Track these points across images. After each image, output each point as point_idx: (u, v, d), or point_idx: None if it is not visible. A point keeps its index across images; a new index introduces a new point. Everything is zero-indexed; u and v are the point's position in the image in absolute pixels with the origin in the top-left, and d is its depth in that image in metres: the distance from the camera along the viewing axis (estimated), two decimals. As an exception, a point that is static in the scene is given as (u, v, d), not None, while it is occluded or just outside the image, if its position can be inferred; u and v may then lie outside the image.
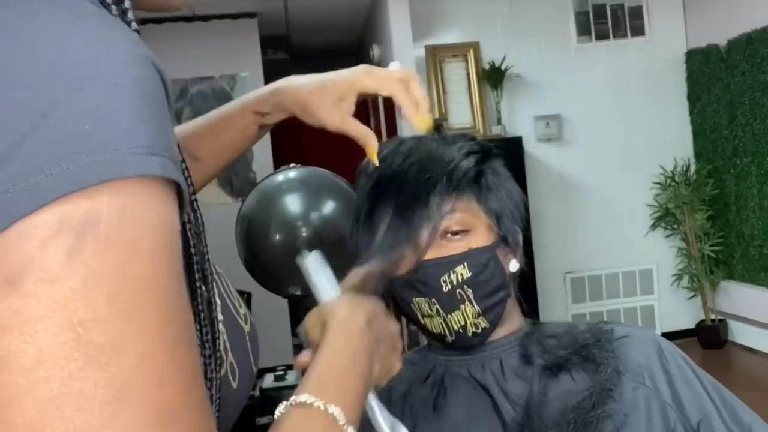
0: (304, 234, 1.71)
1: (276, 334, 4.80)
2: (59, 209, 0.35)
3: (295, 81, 0.93)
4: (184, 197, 0.42)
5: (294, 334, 4.86)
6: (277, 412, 0.56)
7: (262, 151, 5.12)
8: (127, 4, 0.45)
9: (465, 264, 0.89)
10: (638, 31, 5.09)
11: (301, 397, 0.56)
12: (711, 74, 4.79)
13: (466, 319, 0.90)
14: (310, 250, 0.82)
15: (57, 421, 0.35)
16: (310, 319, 0.68)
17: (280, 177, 1.85)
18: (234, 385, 0.53)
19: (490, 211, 0.93)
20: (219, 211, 4.91)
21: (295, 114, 0.91)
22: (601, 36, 5.07)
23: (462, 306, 0.90)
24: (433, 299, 0.90)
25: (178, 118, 5.03)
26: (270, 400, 2.56)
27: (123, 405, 0.36)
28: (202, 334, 0.48)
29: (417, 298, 0.91)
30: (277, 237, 1.76)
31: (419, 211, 0.89)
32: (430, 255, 0.90)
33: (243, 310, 0.58)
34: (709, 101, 4.85)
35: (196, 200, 0.51)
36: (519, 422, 0.88)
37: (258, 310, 2.76)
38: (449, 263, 0.90)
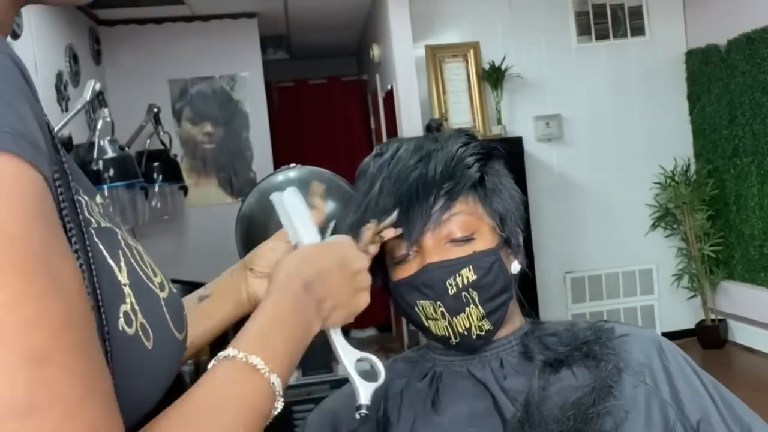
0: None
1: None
2: None
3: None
4: (40, 169, 0.46)
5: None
6: (209, 366, 0.65)
7: (262, 151, 5.13)
8: None
9: (470, 267, 0.90)
10: (638, 31, 5.09)
11: (225, 351, 0.64)
12: (711, 74, 4.79)
13: (471, 321, 0.90)
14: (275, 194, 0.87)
15: None
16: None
17: (280, 177, 1.85)
18: (149, 345, 0.56)
19: (494, 213, 0.93)
20: (219, 211, 4.92)
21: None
22: (601, 36, 5.07)
23: (467, 308, 0.90)
24: (438, 302, 0.90)
25: (179, 118, 5.03)
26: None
27: None
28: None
29: (421, 301, 0.91)
30: (277, 237, 1.76)
31: (423, 213, 0.90)
32: (435, 258, 0.90)
33: (159, 278, 0.62)
34: (709, 101, 4.85)
35: (67, 173, 0.54)
36: (519, 419, 0.88)
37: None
38: (455, 266, 0.90)
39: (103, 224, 0.59)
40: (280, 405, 0.66)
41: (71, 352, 0.43)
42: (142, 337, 0.56)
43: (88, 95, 2.93)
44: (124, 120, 4.09)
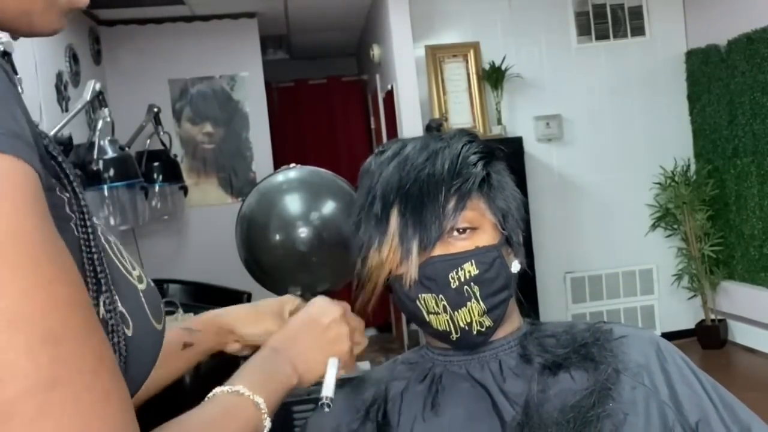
0: (304, 235, 1.71)
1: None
2: None
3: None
4: (34, 166, 0.49)
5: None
6: (212, 393, 0.76)
7: (262, 151, 5.13)
8: None
9: (472, 261, 0.90)
10: (638, 31, 5.09)
11: (236, 387, 0.77)
12: (711, 74, 4.79)
13: (472, 316, 0.91)
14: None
15: None
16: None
17: (280, 177, 1.85)
18: (129, 333, 0.61)
19: (496, 211, 0.93)
20: (219, 211, 4.93)
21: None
22: (601, 36, 5.07)
23: (469, 303, 0.90)
24: (440, 296, 0.91)
25: (179, 118, 5.04)
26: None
27: (16, 331, 0.45)
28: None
29: (424, 294, 0.91)
30: (277, 237, 1.76)
31: (430, 210, 0.90)
32: (438, 251, 0.91)
33: (137, 272, 0.67)
34: (709, 101, 4.85)
35: (66, 175, 0.59)
36: (519, 421, 0.88)
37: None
38: (457, 260, 0.90)
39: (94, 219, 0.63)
40: None
41: (81, 331, 0.49)
42: (122, 325, 0.61)
43: (88, 95, 2.93)
44: (124, 120, 4.09)
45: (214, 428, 0.72)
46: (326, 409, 0.86)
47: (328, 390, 0.87)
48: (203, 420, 0.72)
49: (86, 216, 0.58)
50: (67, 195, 0.58)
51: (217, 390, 0.77)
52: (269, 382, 0.81)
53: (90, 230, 0.58)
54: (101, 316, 0.58)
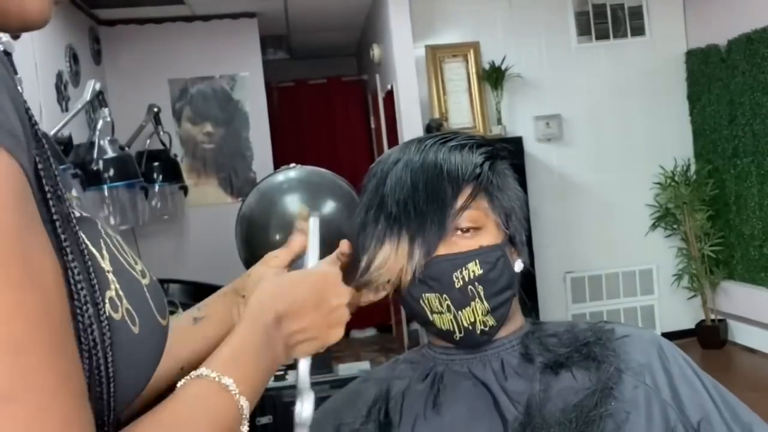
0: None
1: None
2: None
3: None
4: (18, 159, 0.46)
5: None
6: (179, 384, 0.68)
7: (262, 151, 5.13)
8: None
9: (476, 261, 0.90)
10: (638, 31, 5.09)
11: (198, 370, 0.68)
12: (711, 74, 4.79)
13: (476, 315, 0.91)
14: (310, 211, 0.98)
15: None
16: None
17: (280, 177, 1.85)
18: (135, 330, 0.58)
19: (500, 210, 0.93)
20: (219, 211, 4.92)
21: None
22: (601, 36, 5.07)
23: (473, 303, 0.91)
24: (444, 295, 0.91)
25: (179, 118, 5.03)
26: (270, 399, 2.56)
27: None
28: (73, 283, 0.52)
29: (428, 294, 0.91)
30: (277, 237, 1.76)
31: (435, 210, 0.90)
32: (442, 251, 0.91)
33: (139, 266, 0.64)
34: (709, 101, 4.85)
35: (51, 163, 0.54)
36: (521, 421, 0.88)
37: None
38: (461, 259, 0.90)
39: (81, 214, 0.60)
40: (245, 429, 0.69)
41: (47, 344, 0.44)
42: (129, 322, 0.57)
43: (88, 95, 2.93)
44: (124, 120, 4.09)
45: (186, 419, 0.64)
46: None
47: (307, 396, 0.82)
48: (180, 417, 0.64)
49: (65, 207, 0.54)
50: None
51: (203, 372, 0.69)
52: (259, 376, 0.73)
53: (74, 226, 0.54)
54: (107, 314, 0.55)
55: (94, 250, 0.57)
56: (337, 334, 0.83)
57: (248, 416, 0.69)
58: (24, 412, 0.41)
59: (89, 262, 0.54)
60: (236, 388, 0.68)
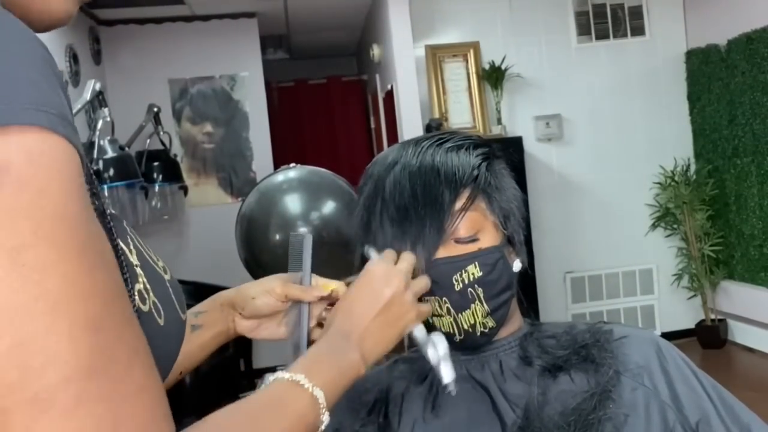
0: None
1: (276, 334, 4.79)
2: None
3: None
4: (78, 150, 0.49)
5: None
6: (269, 379, 0.71)
7: (262, 151, 5.13)
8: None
9: (476, 263, 0.90)
10: (638, 31, 5.09)
11: (296, 376, 0.71)
12: (711, 74, 4.79)
13: (476, 318, 0.91)
14: (300, 232, 1.02)
15: (10, 330, 0.42)
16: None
17: (280, 177, 1.85)
18: (161, 322, 0.61)
19: (498, 211, 0.93)
20: (219, 211, 4.92)
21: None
22: (601, 36, 5.07)
23: (473, 305, 0.91)
24: (444, 298, 0.91)
25: (179, 118, 5.03)
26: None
27: (60, 315, 0.44)
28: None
29: (427, 297, 0.91)
30: (277, 237, 1.76)
31: (433, 213, 0.90)
32: (441, 254, 0.91)
33: (161, 263, 0.68)
34: (709, 101, 4.85)
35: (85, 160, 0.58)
36: (519, 425, 0.88)
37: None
38: (461, 262, 0.90)
39: (111, 210, 0.62)
40: (325, 419, 0.72)
41: (118, 321, 0.48)
42: (155, 314, 0.60)
43: (88, 95, 2.93)
44: (124, 120, 4.09)
45: (264, 422, 0.67)
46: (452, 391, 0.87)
47: (448, 373, 0.87)
48: (252, 411, 0.67)
49: (104, 204, 0.57)
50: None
51: (277, 375, 0.71)
52: (333, 372, 0.75)
53: (110, 221, 0.57)
54: (136, 306, 0.57)
55: (122, 245, 0.60)
56: (407, 321, 0.86)
57: (327, 408, 0.72)
58: (107, 383, 0.45)
59: (122, 257, 0.57)
60: (325, 403, 0.71)
